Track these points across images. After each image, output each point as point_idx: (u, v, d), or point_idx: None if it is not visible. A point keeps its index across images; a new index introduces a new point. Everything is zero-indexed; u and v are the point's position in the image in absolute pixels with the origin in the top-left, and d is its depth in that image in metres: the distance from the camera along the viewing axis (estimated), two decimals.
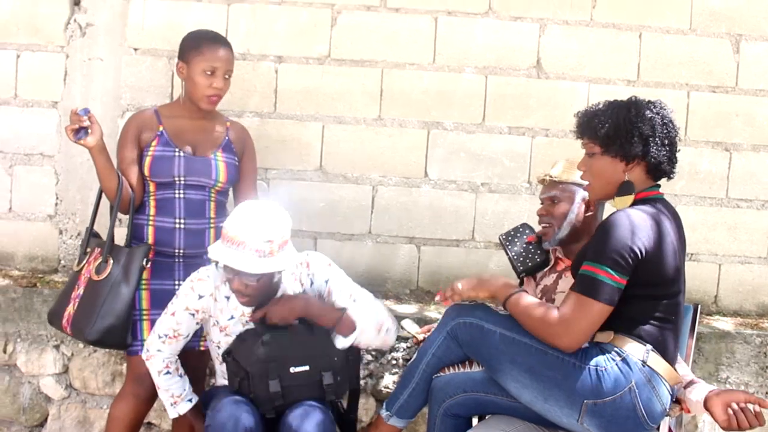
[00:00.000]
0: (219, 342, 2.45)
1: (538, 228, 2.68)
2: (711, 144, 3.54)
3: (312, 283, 2.46)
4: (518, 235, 2.73)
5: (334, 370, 2.38)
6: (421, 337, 2.61)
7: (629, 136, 2.16)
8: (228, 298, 2.40)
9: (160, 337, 2.42)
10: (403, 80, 3.46)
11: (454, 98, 3.47)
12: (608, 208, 2.54)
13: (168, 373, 2.44)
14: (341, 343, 2.37)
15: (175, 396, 2.45)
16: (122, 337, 2.57)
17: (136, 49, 3.43)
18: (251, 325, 2.39)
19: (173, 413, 2.46)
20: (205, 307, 2.40)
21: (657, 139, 2.17)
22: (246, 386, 2.34)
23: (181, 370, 2.49)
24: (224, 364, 2.42)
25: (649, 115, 2.18)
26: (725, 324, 3.42)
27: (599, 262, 2.05)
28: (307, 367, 2.34)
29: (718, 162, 3.54)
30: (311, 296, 2.44)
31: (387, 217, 3.48)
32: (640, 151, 2.16)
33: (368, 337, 2.39)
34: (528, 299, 2.18)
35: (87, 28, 3.43)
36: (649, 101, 2.23)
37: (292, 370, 2.33)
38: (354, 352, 2.47)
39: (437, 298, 2.36)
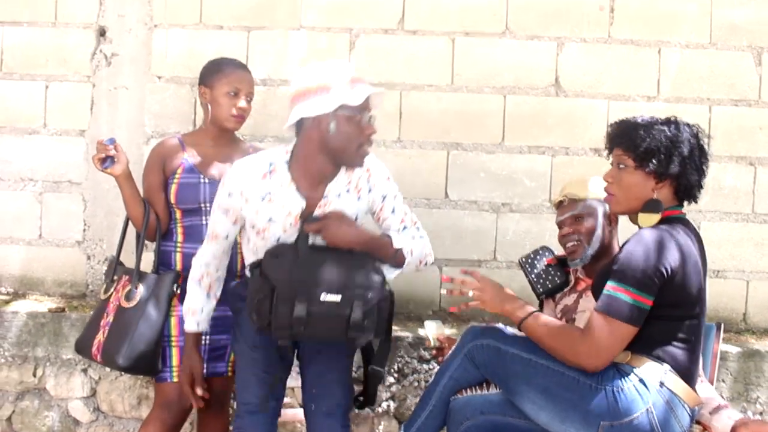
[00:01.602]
0: (254, 243, 2.31)
1: (558, 251, 2.67)
2: (735, 158, 3.49)
3: (369, 191, 2.34)
4: (538, 257, 2.72)
5: (365, 304, 2.18)
6: (436, 343, 2.61)
7: (669, 155, 2.13)
8: (264, 198, 2.24)
9: (207, 238, 2.39)
10: (421, 102, 3.48)
11: (473, 118, 3.48)
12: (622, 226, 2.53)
13: (198, 283, 2.40)
14: (389, 273, 2.27)
15: (190, 310, 2.42)
16: (153, 363, 2.60)
17: (159, 77, 3.51)
18: (290, 228, 2.25)
19: (185, 326, 2.46)
20: (235, 206, 2.26)
21: (692, 161, 2.16)
22: (266, 307, 2.14)
23: (214, 292, 2.44)
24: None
25: (688, 137, 2.16)
26: (754, 342, 3.36)
27: (626, 282, 2.03)
28: (338, 298, 2.14)
29: (742, 177, 3.49)
30: (372, 232, 2.29)
31: None
32: (677, 172, 2.15)
33: (408, 270, 2.34)
34: (548, 320, 2.16)
35: (112, 57, 3.53)
36: (688, 124, 2.21)
37: (323, 297, 2.14)
38: (386, 300, 2.28)
39: (444, 288, 2.32)
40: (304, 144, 2.24)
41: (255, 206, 2.25)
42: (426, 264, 2.39)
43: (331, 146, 2.19)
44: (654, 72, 3.47)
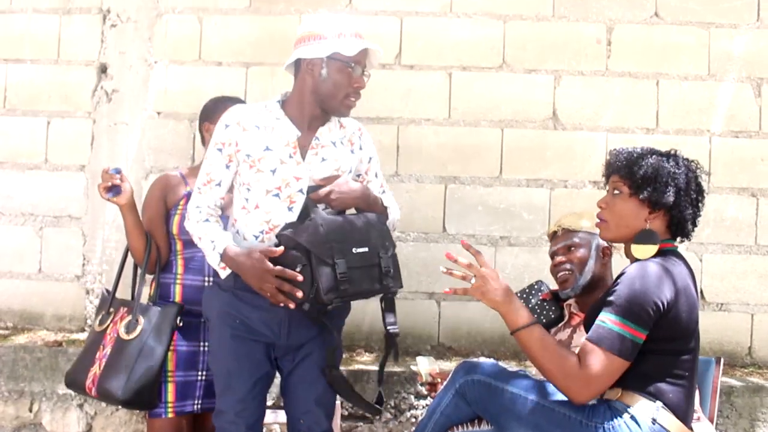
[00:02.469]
0: (249, 184, 2.27)
1: (552, 284, 2.65)
2: (736, 190, 3.46)
3: (361, 148, 2.40)
4: (533, 292, 2.70)
5: (389, 253, 2.28)
6: (428, 378, 2.58)
7: (665, 184, 2.12)
8: (260, 127, 2.26)
9: (197, 188, 2.33)
10: (419, 136, 3.49)
11: (470, 152, 3.48)
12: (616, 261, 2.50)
13: (207, 221, 2.30)
14: None
15: (214, 239, 2.26)
16: (152, 397, 2.55)
17: (159, 113, 3.55)
18: (289, 160, 2.25)
19: (215, 257, 2.26)
20: (232, 138, 2.26)
21: (688, 195, 2.13)
22: (308, 275, 2.13)
23: (221, 224, 2.35)
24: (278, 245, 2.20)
25: (686, 171, 2.15)
26: (760, 377, 3.29)
27: (622, 315, 1.99)
28: (366, 249, 2.21)
29: (744, 208, 3.46)
30: (367, 187, 2.38)
31: (406, 273, 3.39)
32: (671, 203, 2.12)
33: None
34: (545, 337, 2.10)
35: (113, 94, 3.58)
36: (687, 158, 2.20)
37: (355, 250, 2.19)
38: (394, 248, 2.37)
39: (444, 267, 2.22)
40: (298, 85, 2.31)
41: (251, 135, 2.26)
42: (394, 228, 2.48)
43: (320, 91, 2.26)
44: (653, 104, 3.46)
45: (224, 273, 2.27)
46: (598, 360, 1.99)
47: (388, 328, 2.35)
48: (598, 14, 3.47)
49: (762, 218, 3.46)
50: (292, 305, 2.16)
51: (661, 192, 2.11)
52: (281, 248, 2.16)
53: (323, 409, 2.37)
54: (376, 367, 3.12)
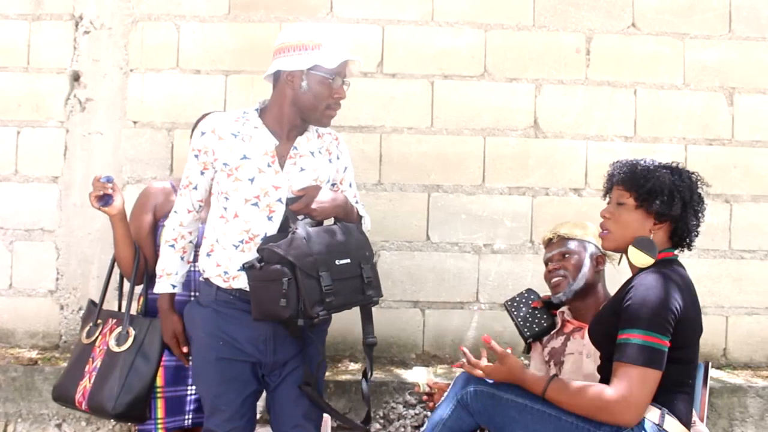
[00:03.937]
0: (226, 192, 2.25)
1: (543, 292, 2.67)
2: (711, 196, 3.52)
3: (338, 158, 2.40)
4: (523, 300, 2.71)
5: (370, 263, 2.30)
6: (426, 389, 2.57)
7: (671, 197, 2.15)
8: (237, 136, 2.25)
9: (180, 192, 2.34)
10: (401, 144, 3.49)
11: (453, 160, 3.49)
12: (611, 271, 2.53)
13: (172, 246, 2.36)
14: None
15: (164, 272, 2.36)
16: (143, 409, 2.47)
17: (135, 122, 3.46)
18: (267, 169, 2.24)
19: (156, 288, 2.39)
20: (208, 145, 2.26)
21: (692, 207, 2.17)
22: (293, 288, 2.12)
23: (187, 257, 2.40)
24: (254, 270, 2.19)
25: (689, 184, 2.18)
26: (736, 378, 3.37)
27: (644, 328, 2.00)
28: (348, 260, 2.23)
29: (719, 214, 3.55)
30: (344, 195, 2.38)
31: (390, 282, 3.46)
32: (678, 215, 2.15)
33: None
34: (570, 384, 2.11)
35: (87, 103, 3.47)
36: (689, 171, 2.23)
37: (338, 262, 2.20)
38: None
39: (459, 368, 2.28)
40: (278, 96, 2.29)
41: (228, 143, 2.26)
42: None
43: (300, 103, 2.25)
44: (631, 112, 3.53)
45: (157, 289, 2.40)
46: (632, 377, 1.99)
47: (367, 338, 2.37)
48: (577, 24, 3.53)
49: (735, 224, 3.55)
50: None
51: (668, 205, 2.14)
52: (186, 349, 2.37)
53: (312, 422, 2.35)
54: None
